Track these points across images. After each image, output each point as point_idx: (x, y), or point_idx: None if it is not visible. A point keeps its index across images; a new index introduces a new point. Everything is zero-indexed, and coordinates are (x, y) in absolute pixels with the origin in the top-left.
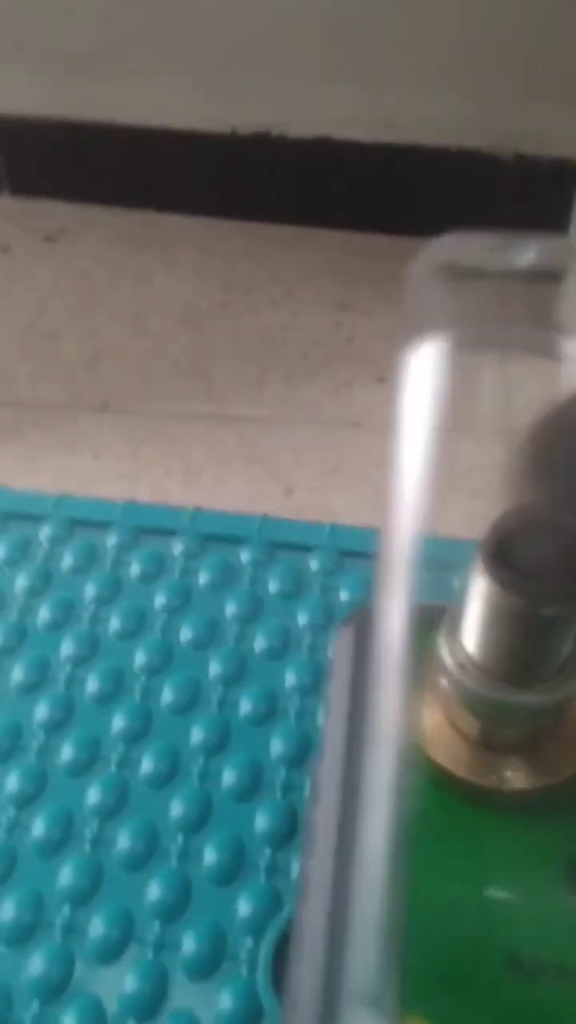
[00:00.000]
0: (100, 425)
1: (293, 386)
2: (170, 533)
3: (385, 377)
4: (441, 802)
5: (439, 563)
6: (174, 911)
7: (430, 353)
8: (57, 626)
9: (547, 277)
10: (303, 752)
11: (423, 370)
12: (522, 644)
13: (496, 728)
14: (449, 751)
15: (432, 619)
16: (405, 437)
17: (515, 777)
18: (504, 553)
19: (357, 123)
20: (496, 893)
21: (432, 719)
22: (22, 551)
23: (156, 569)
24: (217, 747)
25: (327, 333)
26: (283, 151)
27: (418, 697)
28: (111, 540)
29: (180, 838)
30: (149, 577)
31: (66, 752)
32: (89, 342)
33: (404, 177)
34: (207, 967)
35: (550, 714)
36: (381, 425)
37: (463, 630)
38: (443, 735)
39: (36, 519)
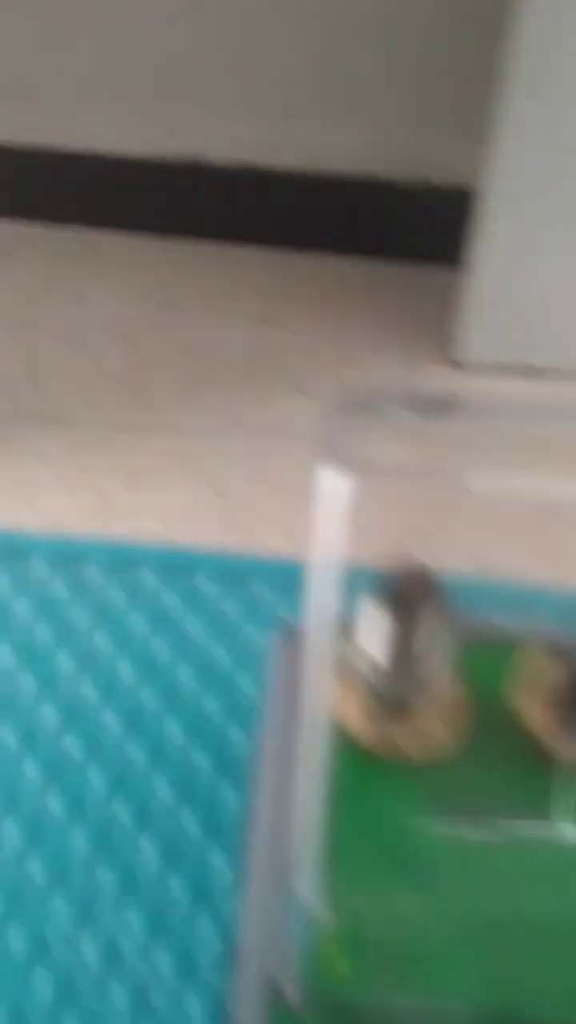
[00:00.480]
0: (45, 437)
1: (222, 396)
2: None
3: (304, 388)
4: (351, 759)
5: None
6: None
7: (336, 479)
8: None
9: (443, 415)
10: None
11: (331, 494)
12: (397, 649)
13: (386, 702)
14: (357, 724)
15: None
16: (319, 547)
17: (402, 740)
18: (388, 589)
19: (277, 151)
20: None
21: (346, 701)
22: None
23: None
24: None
25: (251, 346)
26: (208, 176)
27: (338, 685)
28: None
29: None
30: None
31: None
32: (28, 356)
33: (321, 202)
34: None
35: (419, 691)
36: (302, 432)
37: (360, 638)
38: (353, 712)
39: None
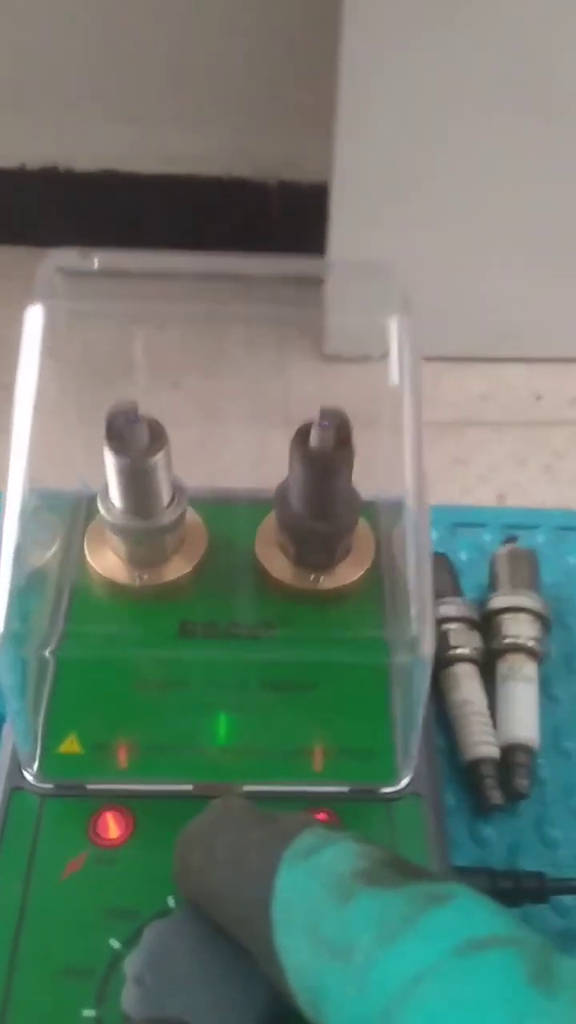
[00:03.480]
0: None
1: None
2: None
3: (179, 383)
4: (100, 596)
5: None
6: None
7: (37, 313)
8: None
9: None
10: None
11: (32, 325)
12: (133, 487)
13: (133, 548)
14: (107, 566)
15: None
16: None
17: (147, 578)
18: (116, 432)
19: (136, 158)
20: (127, 641)
21: (100, 550)
22: None
23: None
24: None
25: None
26: (70, 183)
27: (94, 537)
28: None
29: None
30: None
31: None
32: None
33: (185, 204)
34: None
35: (164, 533)
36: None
37: (110, 492)
38: (107, 557)
39: None
